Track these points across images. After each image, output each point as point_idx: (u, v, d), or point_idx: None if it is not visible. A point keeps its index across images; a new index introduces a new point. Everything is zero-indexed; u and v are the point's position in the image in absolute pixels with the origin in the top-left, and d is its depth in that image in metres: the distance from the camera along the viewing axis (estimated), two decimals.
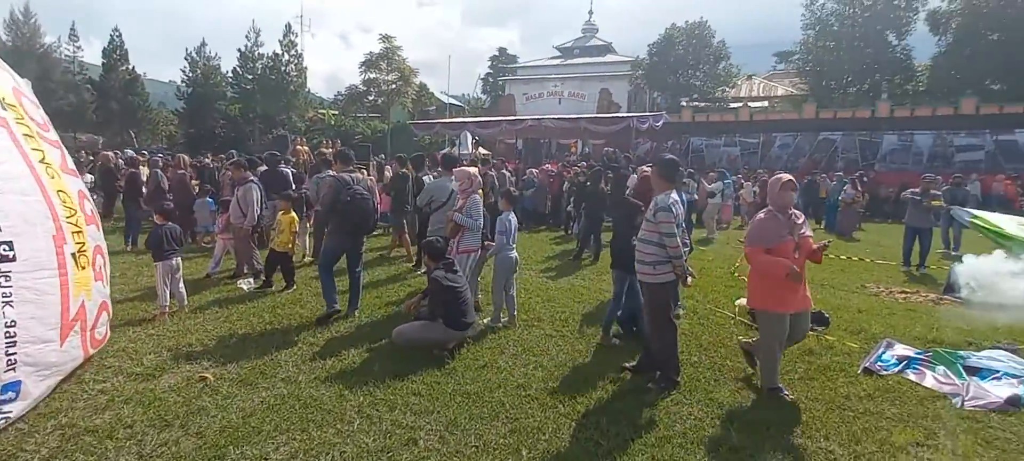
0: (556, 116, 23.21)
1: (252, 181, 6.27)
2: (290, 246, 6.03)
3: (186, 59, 38.29)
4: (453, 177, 5.56)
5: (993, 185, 17.14)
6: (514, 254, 4.98)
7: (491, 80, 50.48)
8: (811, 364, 4.17)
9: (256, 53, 38.57)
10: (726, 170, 15.87)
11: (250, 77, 38.40)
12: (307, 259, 7.71)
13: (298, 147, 15.55)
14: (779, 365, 3.61)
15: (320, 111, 44.17)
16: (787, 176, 3.65)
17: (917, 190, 8.22)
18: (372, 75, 44.05)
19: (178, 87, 39.86)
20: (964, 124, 20.89)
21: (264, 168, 8.16)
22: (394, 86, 44.17)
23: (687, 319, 5.29)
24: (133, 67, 36.87)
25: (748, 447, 2.97)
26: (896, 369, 3.96)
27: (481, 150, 22.28)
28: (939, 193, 8.37)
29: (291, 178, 8.06)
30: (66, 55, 36.19)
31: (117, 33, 36.06)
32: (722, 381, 3.85)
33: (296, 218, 6.11)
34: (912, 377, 3.87)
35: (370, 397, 3.49)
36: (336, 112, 44.63)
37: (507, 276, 4.90)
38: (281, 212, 6.04)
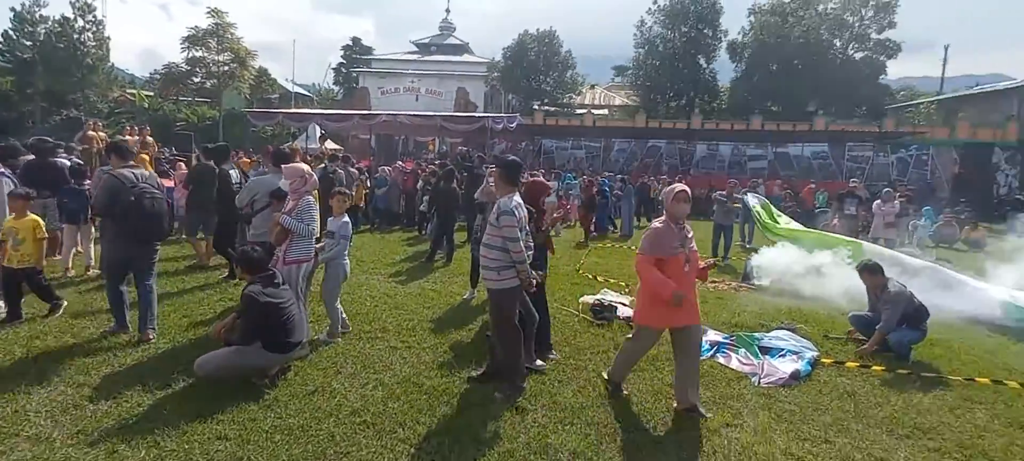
0: (412, 113, 22.58)
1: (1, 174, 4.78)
2: (36, 259, 4.67)
3: None
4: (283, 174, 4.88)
5: (773, 188, 21.07)
6: (346, 262, 4.53)
7: (344, 71, 47.43)
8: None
9: (37, 15, 30.82)
10: (568, 172, 16.93)
11: (29, 44, 30.56)
12: (93, 271, 6.23)
13: (90, 132, 12.69)
14: (631, 369, 3.80)
15: (128, 91, 37.04)
16: (681, 186, 3.54)
17: (723, 193, 9.58)
18: (199, 53, 38.21)
19: None
20: (753, 138, 25.28)
21: (31, 158, 6.40)
22: (226, 68, 38.87)
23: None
24: None
25: (586, 451, 3.00)
26: (708, 354, 4.44)
27: (329, 144, 20.73)
28: (740, 196, 9.85)
29: (67, 172, 6.43)
30: None
31: None
32: (566, 382, 3.90)
33: (40, 223, 4.72)
34: (721, 360, 4.37)
35: (155, 450, 2.79)
36: (151, 94, 37.87)
37: (338, 286, 4.47)
38: (13, 216, 4.66)
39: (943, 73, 34.90)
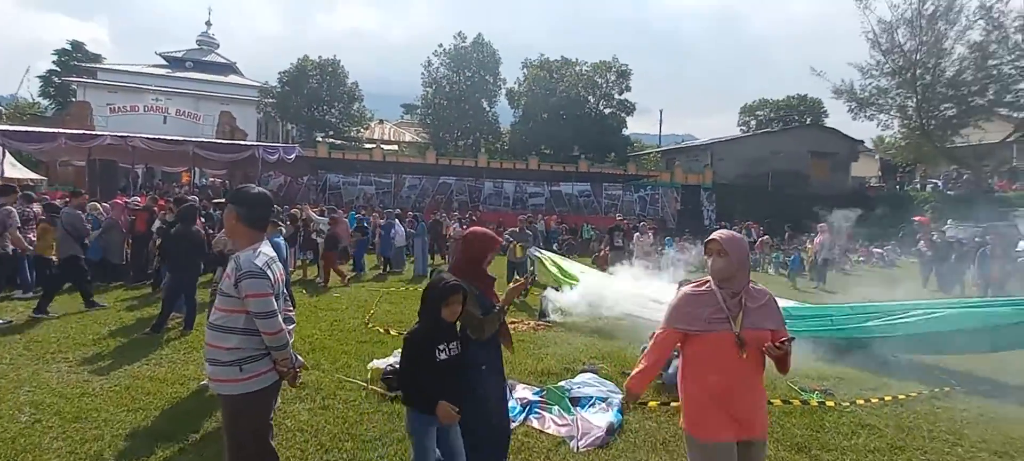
0: (153, 136, 18.08)
1: None
2: None
3: None
4: None
5: (550, 222, 23.20)
6: None
7: (57, 81, 36.35)
8: None
9: None
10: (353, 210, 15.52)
11: None
12: None
13: None
14: None
15: None
16: (714, 234, 2.32)
17: (516, 230, 9.67)
18: None
19: None
20: (532, 177, 27.67)
21: None
22: None
23: (308, 401, 4.12)
24: None
25: None
26: (521, 418, 3.91)
27: (1, 172, 15.07)
28: (530, 234, 10.07)
29: None
30: None
31: None
32: None
33: None
34: (535, 424, 3.88)
35: None
36: None
37: None
38: None
39: (660, 130, 44.59)
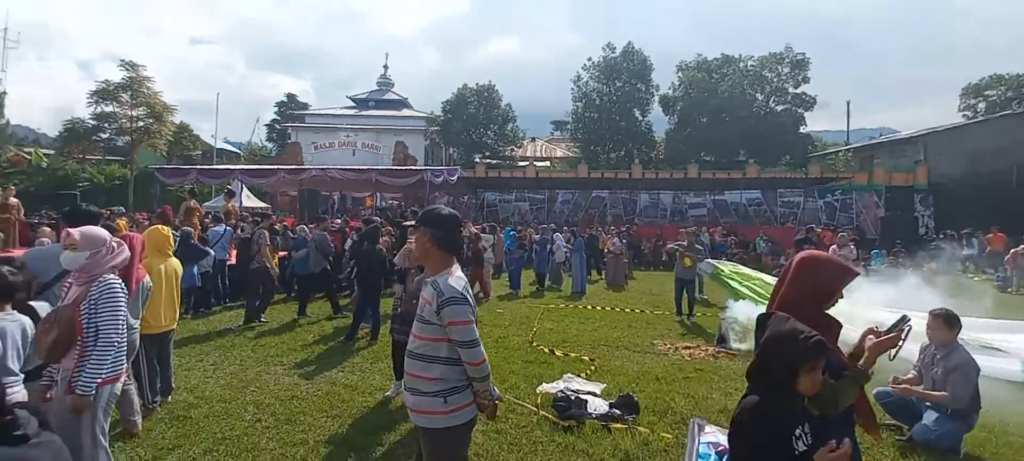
0: (344, 167, 21.06)
1: None
2: None
3: None
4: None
5: (715, 235, 21.14)
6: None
7: (277, 128, 45.28)
8: None
9: None
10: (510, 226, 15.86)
11: None
12: None
13: None
14: None
15: (25, 150, 33.08)
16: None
17: (683, 243, 8.81)
18: (108, 108, 35.00)
19: None
20: (692, 186, 25.68)
21: None
22: (141, 124, 35.78)
23: (480, 422, 4.03)
24: None
25: None
26: None
27: (240, 202, 18.74)
28: (701, 248, 9.12)
29: None
30: None
31: None
32: None
33: None
34: None
35: None
36: (50, 152, 34.07)
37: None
38: None
39: (848, 125, 38.01)
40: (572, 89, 31.37)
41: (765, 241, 18.15)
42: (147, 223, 9.95)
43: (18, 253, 6.99)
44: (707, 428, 3.91)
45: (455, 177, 21.27)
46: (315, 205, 20.33)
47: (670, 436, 3.88)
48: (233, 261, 9.29)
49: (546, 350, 6.29)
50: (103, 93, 35.05)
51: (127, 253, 2.70)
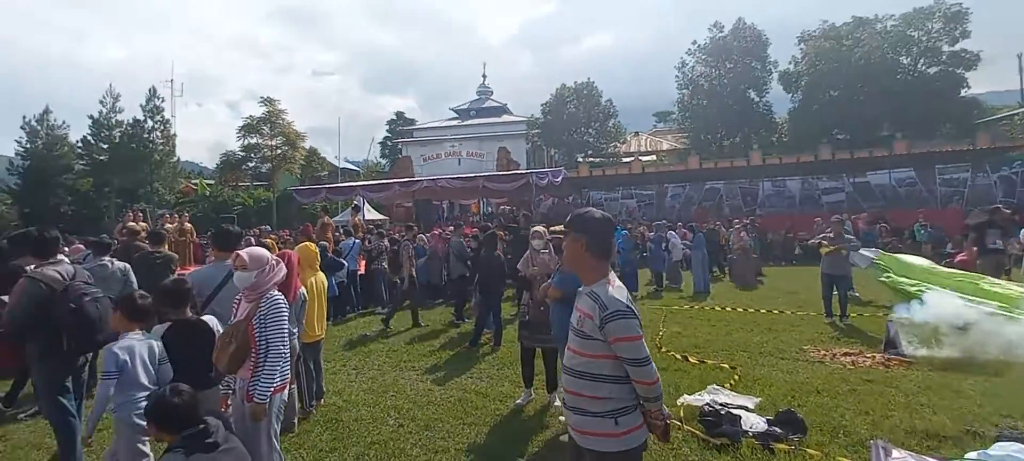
0: (451, 176, 21.97)
1: None
2: None
3: (23, 128, 32.03)
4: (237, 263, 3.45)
5: (859, 223, 18.56)
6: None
7: (389, 144, 48.87)
8: None
9: (113, 120, 33.55)
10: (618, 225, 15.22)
11: (105, 146, 33.12)
12: None
13: (130, 223, 12.45)
14: None
15: (192, 181, 39.20)
16: None
17: (829, 233, 7.76)
18: (253, 140, 40.34)
19: (11, 161, 33.25)
20: (824, 170, 22.92)
21: None
22: (279, 151, 40.70)
23: None
24: None
25: None
26: None
27: (363, 215, 20.23)
28: (851, 237, 8.00)
29: None
30: None
31: None
32: None
33: None
34: None
35: None
36: (211, 182, 39.94)
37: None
38: None
39: (1022, 84, 31.29)
40: (676, 77, 29.78)
41: (925, 227, 15.54)
42: (291, 240, 11.10)
43: (191, 270, 8.15)
44: (894, 453, 3.29)
45: (559, 178, 21.16)
46: (429, 214, 21.38)
47: None
48: (362, 271, 10.01)
49: (678, 356, 5.85)
50: (248, 127, 40.43)
51: (284, 269, 2.89)
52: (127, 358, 2.75)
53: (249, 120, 40.76)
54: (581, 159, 29.52)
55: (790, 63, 28.65)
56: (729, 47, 28.20)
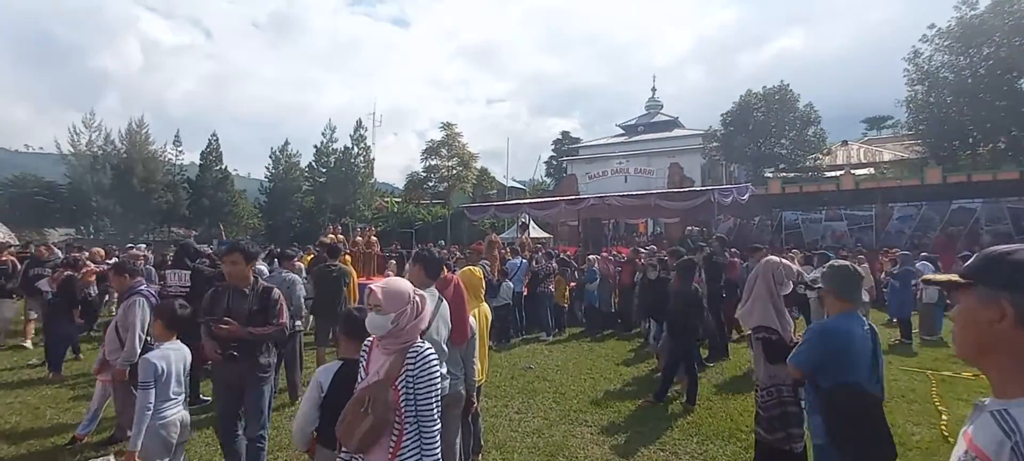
0: (621, 193, 20.62)
1: (141, 293, 4.05)
2: None
3: (271, 157, 40.62)
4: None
5: None
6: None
7: (554, 163, 49.48)
8: None
9: (330, 148, 40.36)
10: (824, 250, 11.94)
11: (323, 170, 39.94)
12: None
13: (330, 235, 13.90)
14: None
15: (385, 200, 44.67)
16: None
17: None
18: (433, 162, 44.44)
19: (261, 183, 42.27)
20: None
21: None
22: (455, 171, 44.09)
23: None
24: (226, 167, 39.41)
25: None
26: None
27: (530, 233, 19.96)
28: None
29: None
30: (169, 158, 39.13)
31: (214, 137, 39.27)
32: None
33: None
34: None
35: None
36: (399, 200, 45.01)
37: None
38: None
39: None
40: (905, 70, 23.93)
41: None
42: (464, 259, 10.99)
43: (378, 280, 8.32)
44: None
45: (746, 195, 18.30)
46: (598, 233, 20.29)
47: None
48: (527, 292, 9.34)
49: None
50: (429, 150, 44.77)
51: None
52: (164, 367, 2.80)
53: (430, 143, 45.09)
54: (771, 174, 25.52)
55: None
56: (987, 27, 21.67)
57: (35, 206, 34.08)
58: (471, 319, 3.27)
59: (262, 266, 6.14)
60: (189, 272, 4.91)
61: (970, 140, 22.68)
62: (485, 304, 3.67)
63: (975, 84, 21.85)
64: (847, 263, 2.57)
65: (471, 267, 3.61)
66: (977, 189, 18.88)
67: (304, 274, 6.91)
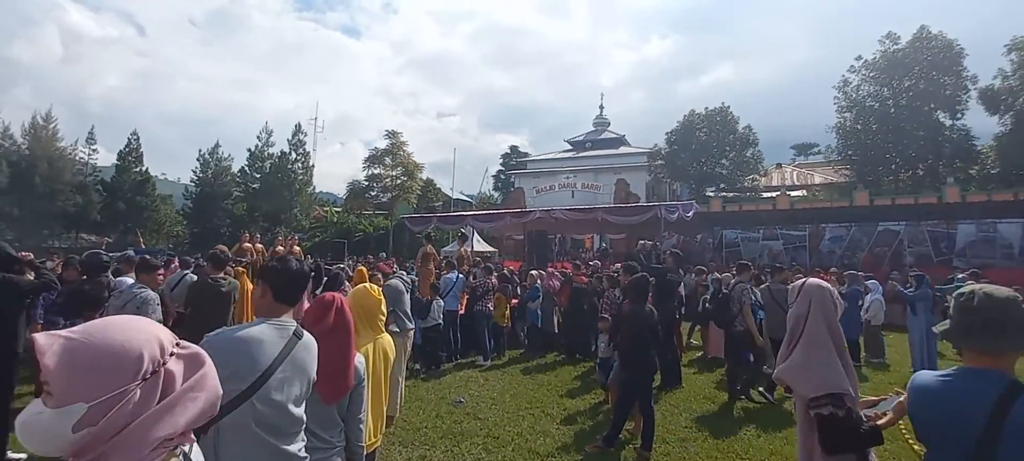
0: (567, 208, 20.12)
1: None
2: None
3: (198, 160, 37.28)
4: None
5: None
6: None
7: (503, 178, 48.92)
8: None
9: (266, 153, 37.62)
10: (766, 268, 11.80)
11: (257, 176, 37.13)
12: None
13: (246, 244, 12.32)
14: None
15: (324, 209, 42.27)
16: None
17: None
18: (376, 170, 42.58)
19: (186, 187, 38.76)
20: None
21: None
22: (399, 181, 42.41)
23: None
24: (146, 169, 35.64)
25: None
26: None
27: (473, 246, 19.04)
28: None
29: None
30: (81, 158, 35.01)
31: (135, 136, 35.56)
32: None
33: None
34: None
35: None
36: (338, 210, 42.76)
37: None
38: None
39: None
40: (835, 98, 25.19)
41: None
42: (390, 271, 9.81)
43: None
44: None
45: (691, 213, 18.30)
46: (544, 248, 19.56)
47: None
48: (463, 310, 8.38)
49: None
50: (372, 158, 42.94)
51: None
52: None
53: (374, 151, 43.29)
54: (712, 193, 26.00)
55: (996, 78, 22.73)
56: (908, 60, 23.20)
57: None
58: (359, 359, 2.29)
59: (129, 279, 4.84)
60: None
61: (892, 166, 24.06)
62: (386, 335, 2.69)
63: (897, 114, 23.24)
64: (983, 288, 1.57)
65: (367, 285, 2.63)
66: (900, 212, 19.84)
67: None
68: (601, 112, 42.00)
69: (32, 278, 3.86)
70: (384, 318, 2.66)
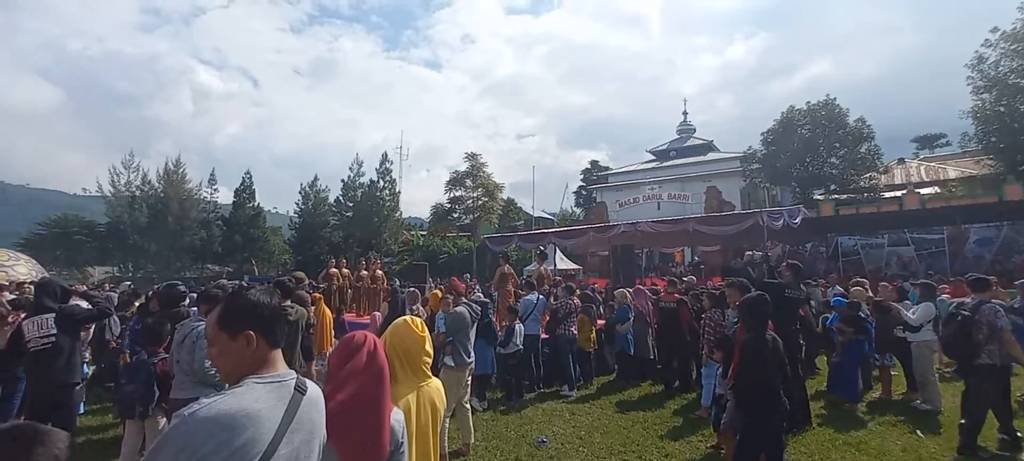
0: (655, 220, 18.87)
1: None
2: None
3: (300, 193, 40.76)
4: None
5: None
6: None
7: (584, 193, 47.94)
8: None
9: (357, 182, 40.13)
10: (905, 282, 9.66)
11: (350, 204, 39.64)
12: None
13: (333, 270, 12.69)
14: None
15: (410, 233, 43.89)
16: None
17: None
18: (458, 193, 43.51)
19: (291, 218, 42.31)
20: None
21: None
22: (481, 202, 42.98)
23: None
24: (258, 204, 39.59)
25: None
26: None
27: (556, 264, 18.33)
28: None
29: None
30: (204, 197, 39.71)
31: (248, 175, 39.64)
32: None
33: None
34: None
35: None
36: (424, 233, 44.21)
37: None
38: None
39: None
40: (970, 79, 21.61)
41: None
42: (462, 289, 9.42)
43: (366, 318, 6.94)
44: None
45: (798, 219, 16.25)
46: (630, 264, 18.50)
47: None
48: (545, 335, 7.75)
49: None
50: (454, 181, 44.02)
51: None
52: None
53: (455, 174, 44.38)
54: (820, 195, 23.27)
55: None
56: None
57: (73, 245, 34.80)
58: (398, 416, 1.78)
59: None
60: (53, 316, 3.61)
61: None
62: (434, 381, 2.16)
63: None
64: None
65: (408, 318, 2.12)
66: None
67: None
68: (685, 118, 39.87)
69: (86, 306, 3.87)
70: (430, 359, 2.13)
